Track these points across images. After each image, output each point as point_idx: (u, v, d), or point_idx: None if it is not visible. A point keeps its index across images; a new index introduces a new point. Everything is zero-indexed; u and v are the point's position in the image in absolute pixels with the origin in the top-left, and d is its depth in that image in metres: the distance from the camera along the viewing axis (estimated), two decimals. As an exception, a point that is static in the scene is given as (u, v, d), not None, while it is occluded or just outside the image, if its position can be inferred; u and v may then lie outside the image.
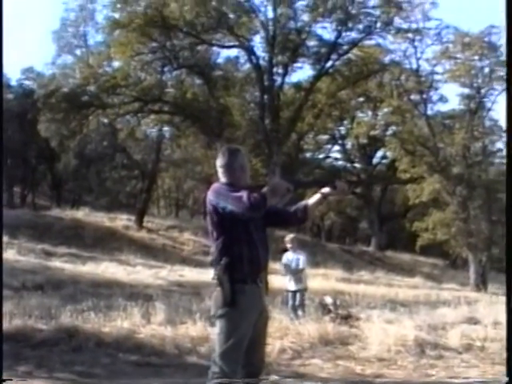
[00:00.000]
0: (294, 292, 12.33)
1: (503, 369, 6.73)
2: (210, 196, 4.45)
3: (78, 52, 40.81)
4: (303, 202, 4.72)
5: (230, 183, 4.50)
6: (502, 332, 8.51)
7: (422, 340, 9.47)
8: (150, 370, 7.70)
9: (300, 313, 11.75)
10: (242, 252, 4.39)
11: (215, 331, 4.60)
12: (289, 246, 12.47)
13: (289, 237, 12.71)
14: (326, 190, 4.61)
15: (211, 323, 7.01)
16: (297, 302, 12.23)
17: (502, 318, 9.44)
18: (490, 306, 14.42)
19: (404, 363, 8.66)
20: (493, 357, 8.60)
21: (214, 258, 4.48)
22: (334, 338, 9.53)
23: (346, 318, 11.25)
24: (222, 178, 4.58)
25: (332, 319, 10.80)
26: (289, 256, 12.38)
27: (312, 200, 4.69)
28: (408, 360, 8.77)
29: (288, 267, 12.33)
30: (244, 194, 4.16)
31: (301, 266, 12.50)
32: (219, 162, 4.62)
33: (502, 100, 35.29)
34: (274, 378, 7.32)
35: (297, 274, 12.39)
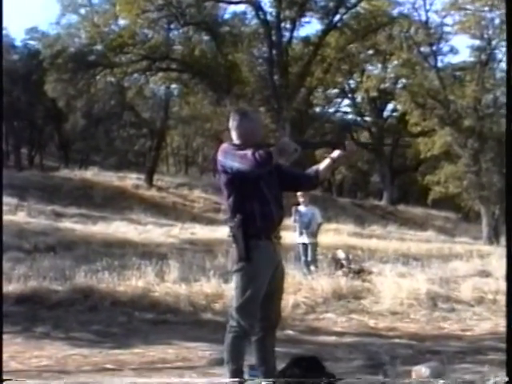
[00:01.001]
0: (306, 246, 12.38)
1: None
2: (219, 156, 4.54)
3: (82, 11, 40.33)
4: (314, 168, 4.81)
5: (239, 144, 4.57)
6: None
7: (435, 293, 9.53)
8: (166, 328, 7.81)
9: (313, 268, 11.79)
10: (254, 209, 4.48)
11: (232, 286, 4.72)
12: (301, 200, 12.47)
13: (301, 191, 12.72)
14: (334, 154, 4.71)
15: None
16: (309, 258, 12.30)
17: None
18: (502, 258, 14.37)
19: (417, 316, 8.74)
20: (505, 309, 8.64)
21: (228, 216, 4.59)
22: (347, 293, 9.61)
23: (359, 273, 11.32)
24: (234, 140, 4.65)
25: (345, 274, 10.87)
26: (301, 209, 12.39)
27: (323, 165, 4.78)
28: (421, 313, 8.85)
29: (302, 221, 12.37)
30: (249, 152, 4.24)
31: (319, 220, 12.58)
32: (229, 124, 4.71)
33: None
34: (288, 332, 7.40)
35: (316, 228, 12.46)
